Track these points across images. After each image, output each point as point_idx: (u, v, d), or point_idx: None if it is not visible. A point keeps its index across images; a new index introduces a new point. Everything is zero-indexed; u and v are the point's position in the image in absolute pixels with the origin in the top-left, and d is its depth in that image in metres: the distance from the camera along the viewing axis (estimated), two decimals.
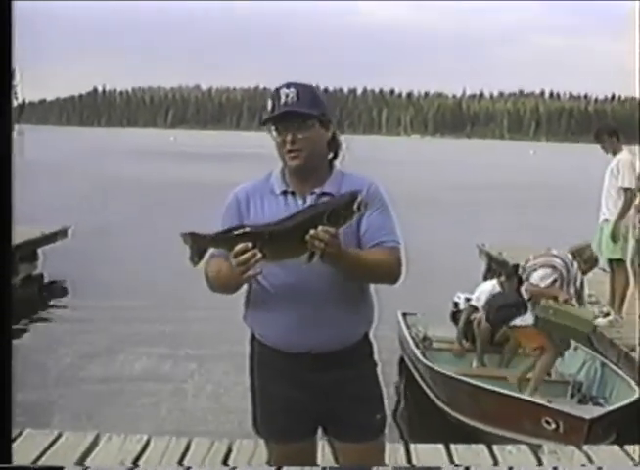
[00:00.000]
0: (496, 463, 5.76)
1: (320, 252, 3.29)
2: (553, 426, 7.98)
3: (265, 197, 3.69)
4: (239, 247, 3.31)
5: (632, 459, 5.95)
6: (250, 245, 3.31)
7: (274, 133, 3.61)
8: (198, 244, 3.46)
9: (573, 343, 9.63)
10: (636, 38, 9.40)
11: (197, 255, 3.46)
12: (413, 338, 10.52)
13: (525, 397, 8.53)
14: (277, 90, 3.62)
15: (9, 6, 3.29)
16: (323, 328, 3.61)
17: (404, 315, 11.22)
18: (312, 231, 3.26)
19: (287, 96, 3.58)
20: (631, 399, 8.42)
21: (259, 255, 3.30)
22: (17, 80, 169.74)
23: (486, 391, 8.67)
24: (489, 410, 8.65)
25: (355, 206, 3.37)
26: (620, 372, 9.17)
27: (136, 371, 11.12)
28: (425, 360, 9.66)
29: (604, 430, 7.95)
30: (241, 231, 3.39)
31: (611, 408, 8.32)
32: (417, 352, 9.97)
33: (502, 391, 8.59)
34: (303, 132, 3.57)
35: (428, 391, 9.69)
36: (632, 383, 8.76)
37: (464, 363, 10.13)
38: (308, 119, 3.58)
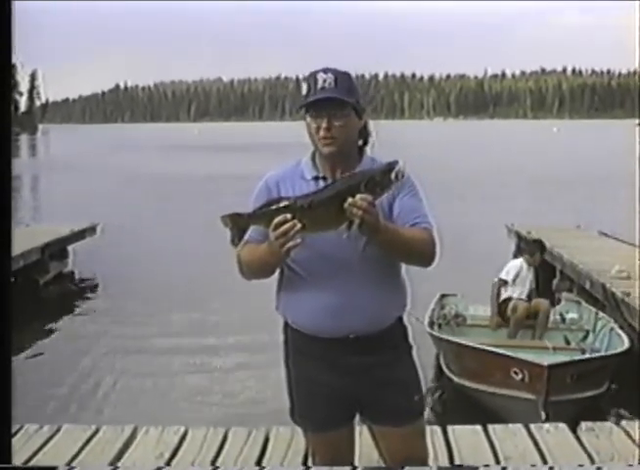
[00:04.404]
0: (534, 441, 5.74)
1: (359, 220, 3.25)
2: (520, 376, 8.28)
3: (296, 183, 3.65)
4: (278, 218, 3.29)
5: None
6: (288, 216, 3.29)
7: (308, 118, 3.56)
8: (237, 224, 3.44)
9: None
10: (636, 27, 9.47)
11: (237, 236, 3.46)
12: (432, 312, 10.67)
13: (495, 349, 8.84)
14: (314, 74, 3.55)
15: (9, 7, 3.27)
16: (358, 312, 3.58)
17: (442, 296, 11.37)
18: (350, 199, 3.24)
19: (324, 81, 3.52)
20: (603, 353, 9.16)
21: (299, 225, 3.28)
22: (39, 81, 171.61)
23: (467, 348, 9.10)
24: (470, 367, 9.03)
25: (393, 174, 3.34)
26: (617, 329, 9.68)
27: (169, 364, 11.16)
28: (429, 329, 9.93)
29: (575, 380, 8.24)
30: (280, 204, 3.36)
31: (577, 358, 8.81)
32: (425, 324, 10.09)
33: (478, 346, 9.01)
34: (339, 120, 3.51)
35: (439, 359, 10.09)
36: (624, 337, 9.28)
37: (499, 336, 10.43)
38: (345, 107, 3.53)
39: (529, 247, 11.21)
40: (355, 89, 3.61)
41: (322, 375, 3.68)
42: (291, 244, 3.30)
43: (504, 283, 10.69)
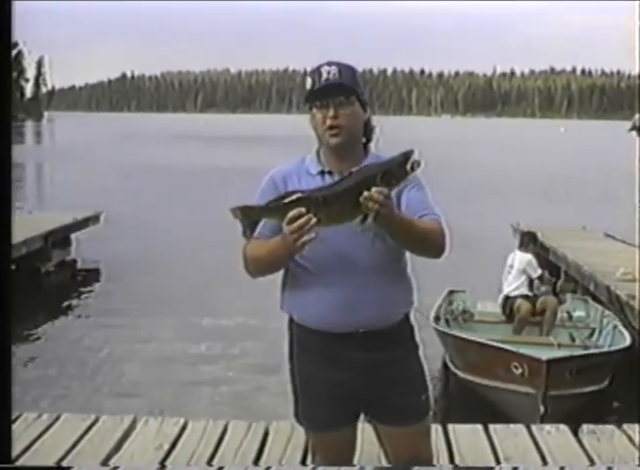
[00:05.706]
0: (535, 442, 5.71)
1: (374, 213, 3.22)
2: (520, 370, 8.35)
3: (302, 178, 3.63)
4: (293, 212, 3.23)
5: None
6: (303, 210, 3.23)
7: (314, 110, 3.56)
8: (249, 216, 3.40)
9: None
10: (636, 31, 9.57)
11: (249, 228, 3.41)
12: (438, 308, 10.70)
13: (495, 344, 8.92)
14: (318, 68, 3.57)
15: (8, 2, 3.26)
16: (368, 306, 3.55)
17: (450, 292, 11.42)
18: (366, 193, 3.19)
19: (328, 73, 3.53)
20: (602, 350, 9.27)
21: (314, 219, 3.23)
22: (46, 68, 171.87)
23: (469, 342, 9.20)
24: (473, 361, 9.12)
25: (409, 166, 3.30)
26: (620, 327, 9.81)
27: (169, 354, 11.14)
28: (434, 324, 9.95)
29: (575, 375, 8.33)
30: (294, 197, 3.30)
31: (576, 353, 8.92)
32: (431, 318, 10.12)
33: (479, 340, 9.12)
34: (345, 108, 3.51)
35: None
36: (626, 334, 9.43)
37: (506, 332, 10.49)
38: (350, 95, 3.54)
39: (522, 239, 11.49)
40: (359, 82, 3.63)
41: (328, 372, 3.64)
42: (306, 238, 3.26)
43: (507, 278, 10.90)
